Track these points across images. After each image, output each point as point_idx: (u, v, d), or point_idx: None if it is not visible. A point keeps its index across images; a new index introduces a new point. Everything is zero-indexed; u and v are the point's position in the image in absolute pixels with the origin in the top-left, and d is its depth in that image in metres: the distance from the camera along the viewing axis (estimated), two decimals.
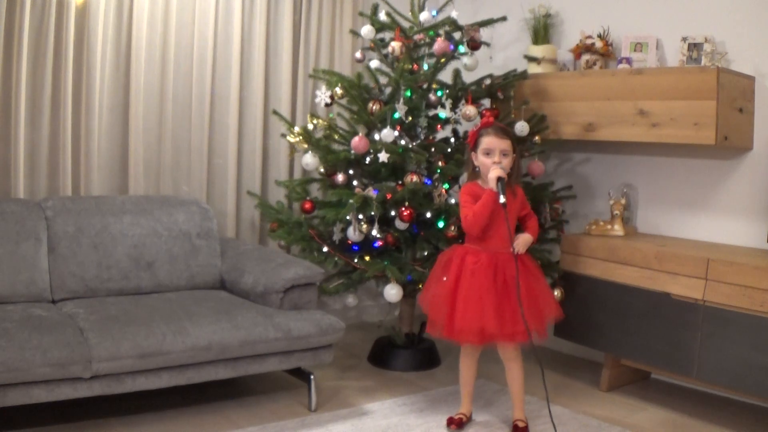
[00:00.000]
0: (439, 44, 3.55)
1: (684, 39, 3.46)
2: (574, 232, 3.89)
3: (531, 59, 4.00)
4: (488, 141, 2.91)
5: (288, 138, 3.78)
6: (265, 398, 3.27)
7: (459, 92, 3.67)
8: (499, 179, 2.83)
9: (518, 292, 2.80)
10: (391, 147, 3.44)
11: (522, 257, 2.93)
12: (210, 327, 2.87)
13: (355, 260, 3.59)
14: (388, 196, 3.38)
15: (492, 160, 2.89)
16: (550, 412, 2.97)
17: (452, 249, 3.05)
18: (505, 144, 2.90)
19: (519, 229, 3.07)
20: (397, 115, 3.49)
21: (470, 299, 2.86)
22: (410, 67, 3.59)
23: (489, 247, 2.92)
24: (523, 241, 2.95)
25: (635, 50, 3.67)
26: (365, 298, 4.62)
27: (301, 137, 3.70)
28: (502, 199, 2.80)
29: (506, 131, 2.98)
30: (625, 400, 3.46)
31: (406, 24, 3.81)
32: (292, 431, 2.91)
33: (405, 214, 3.38)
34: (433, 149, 3.59)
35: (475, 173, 3.02)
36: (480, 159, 2.94)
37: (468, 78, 3.81)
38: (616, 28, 3.83)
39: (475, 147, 2.97)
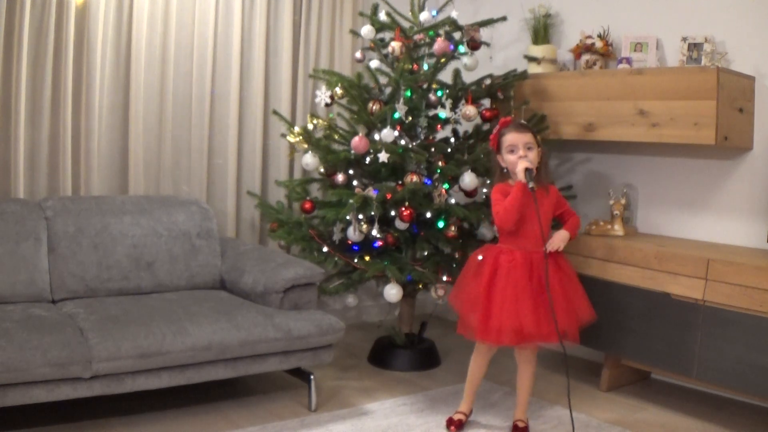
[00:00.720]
0: (439, 44, 3.55)
1: (684, 39, 3.46)
2: None
3: (531, 59, 4.00)
4: (510, 138, 2.88)
5: (288, 138, 3.78)
6: (265, 398, 3.27)
7: (459, 92, 3.67)
8: (527, 169, 2.79)
9: (548, 290, 2.76)
10: (391, 147, 3.44)
11: (556, 257, 2.90)
12: (210, 327, 2.87)
13: (355, 260, 3.59)
14: (388, 196, 3.38)
15: (518, 155, 2.86)
16: (571, 416, 2.97)
17: (485, 248, 3.01)
18: (527, 137, 2.87)
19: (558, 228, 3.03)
20: (397, 115, 3.49)
21: (507, 299, 2.81)
22: (410, 67, 3.59)
23: (522, 246, 2.88)
24: (560, 237, 2.91)
25: (635, 50, 3.67)
26: (365, 298, 4.62)
27: (301, 137, 3.70)
28: (530, 185, 2.77)
29: (526, 126, 2.95)
30: (625, 400, 3.46)
31: (406, 24, 3.81)
32: (292, 431, 2.92)
33: (405, 214, 3.38)
34: (433, 149, 3.59)
35: (504, 175, 2.96)
36: (506, 158, 2.89)
37: (468, 78, 3.81)
38: (616, 28, 3.83)
39: (498, 149, 2.94)
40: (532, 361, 2.99)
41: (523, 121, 3.01)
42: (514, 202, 2.81)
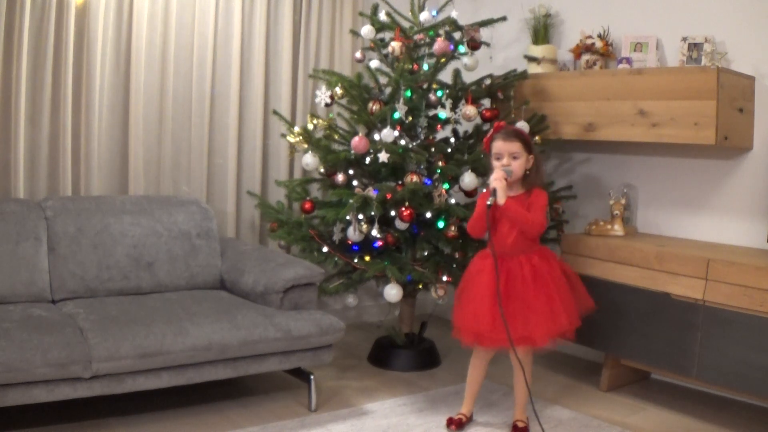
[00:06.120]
0: (439, 44, 3.55)
1: (684, 39, 3.46)
2: (574, 232, 3.89)
3: (531, 59, 4.00)
4: (497, 146, 2.91)
5: (288, 138, 3.78)
6: (265, 398, 3.27)
7: (459, 92, 3.67)
8: (493, 186, 2.80)
9: (498, 294, 2.78)
10: (391, 147, 3.43)
11: (538, 259, 2.93)
12: (210, 327, 2.87)
13: (355, 260, 3.59)
14: (388, 196, 3.38)
15: (501, 164, 2.88)
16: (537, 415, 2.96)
17: (479, 252, 3.09)
18: (513, 146, 2.88)
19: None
20: (397, 115, 3.49)
21: (470, 300, 2.90)
22: (410, 67, 3.59)
23: (497, 251, 2.90)
24: (500, 186, 2.78)
25: (635, 50, 3.67)
26: (365, 298, 4.62)
27: (301, 137, 3.70)
28: (489, 201, 2.79)
29: (516, 133, 2.94)
30: (625, 400, 3.46)
31: (406, 24, 3.81)
32: (292, 431, 2.92)
33: (405, 214, 3.38)
34: (433, 149, 3.59)
35: None
36: (492, 163, 2.93)
37: (468, 78, 3.81)
38: (616, 28, 3.83)
39: (489, 152, 2.97)
40: (525, 362, 2.99)
41: (513, 128, 3.00)
42: (476, 216, 2.92)
